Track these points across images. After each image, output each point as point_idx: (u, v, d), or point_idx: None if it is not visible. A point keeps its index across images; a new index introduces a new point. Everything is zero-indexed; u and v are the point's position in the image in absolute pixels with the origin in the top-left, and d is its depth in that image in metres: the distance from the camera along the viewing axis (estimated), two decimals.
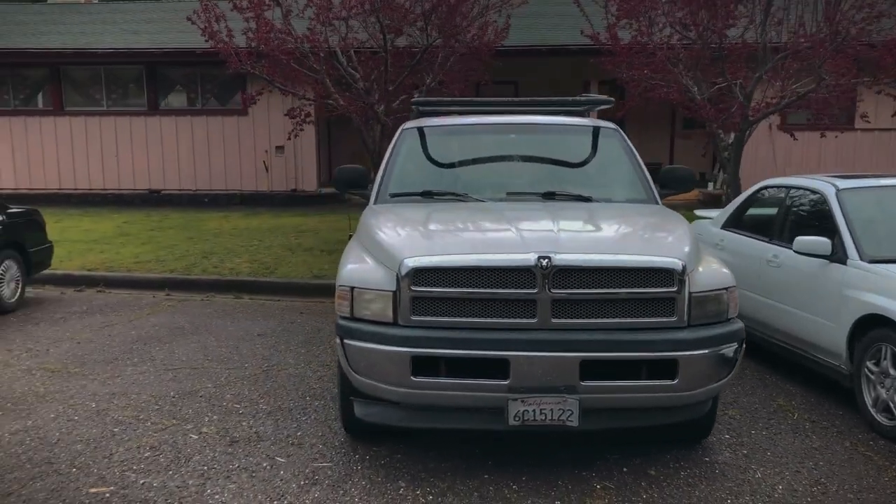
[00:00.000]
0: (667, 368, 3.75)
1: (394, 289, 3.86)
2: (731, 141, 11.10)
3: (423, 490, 3.92)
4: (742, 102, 10.03)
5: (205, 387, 5.64)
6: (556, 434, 4.42)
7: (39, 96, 17.81)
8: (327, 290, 9.38)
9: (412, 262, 3.81)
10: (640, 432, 4.36)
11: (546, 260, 3.71)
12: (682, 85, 10.87)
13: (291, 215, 14.98)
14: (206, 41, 10.12)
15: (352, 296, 3.98)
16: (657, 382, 3.76)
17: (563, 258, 3.72)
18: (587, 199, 5.01)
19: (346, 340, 3.95)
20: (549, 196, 5.00)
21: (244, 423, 4.88)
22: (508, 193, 5.06)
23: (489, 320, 3.78)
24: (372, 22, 9.99)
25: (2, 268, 8.01)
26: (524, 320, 3.76)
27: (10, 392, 5.51)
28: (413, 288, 3.79)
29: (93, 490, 3.92)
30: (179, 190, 17.36)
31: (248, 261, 10.45)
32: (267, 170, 17.19)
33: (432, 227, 4.45)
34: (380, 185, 5.29)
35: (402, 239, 4.12)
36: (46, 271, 9.23)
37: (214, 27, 9.82)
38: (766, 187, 6.69)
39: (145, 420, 4.94)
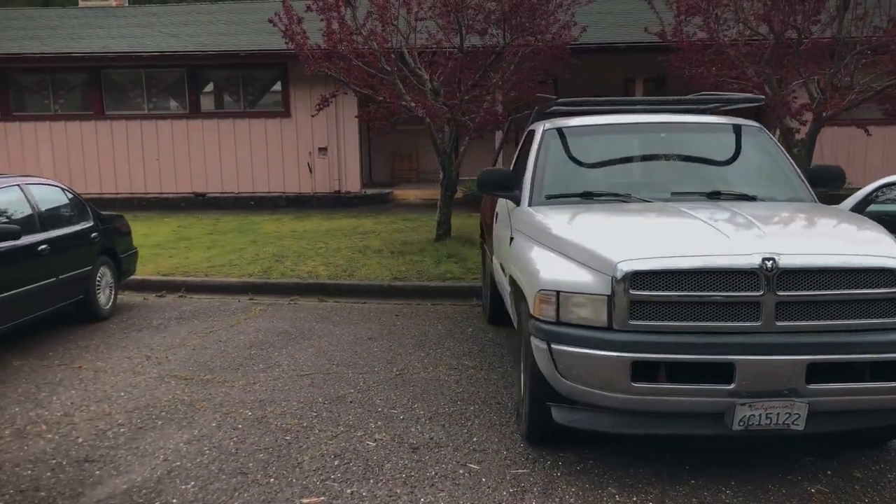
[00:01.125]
0: (892, 370, 3.71)
1: (608, 293, 3.80)
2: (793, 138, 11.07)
3: (639, 497, 3.87)
4: (822, 98, 9.99)
5: (349, 392, 5.58)
6: (745, 438, 4.39)
7: (80, 100, 17.72)
8: (409, 293, 9.34)
9: (630, 266, 3.75)
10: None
11: (771, 261, 3.65)
12: (755, 82, 10.83)
13: (343, 217, 14.91)
14: (287, 43, 10.05)
15: (558, 300, 3.92)
16: (883, 384, 3.71)
17: (789, 260, 3.67)
18: (752, 199, 4.96)
19: (554, 345, 3.89)
20: (715, 196, 4.96)
21: (413, 430, 4.82)
22: (673, 193, 5.00)
23: (710, 324, 3.72)
24: (449, 21, 9.91)
25: (98, 274, 7.94)
26: (747, 323, 3.70)
27: (155, 400, 5.45)
28: (632, 292, 3.74)
29: (305, 501, 3.85)
30: (222, 192, 17.30)
31: (322, 264, 10.38)
32: (311, 172, 17.13)
33: (631, 228, 4.38)
34: (531, 188, 5.21)
35: (609, 241, 4.05)
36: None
37: (295, 29, 9.74)
38: (889, 184, 6.64)
39: (311, 427, 4.88)
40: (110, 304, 8.20)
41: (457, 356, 6.55)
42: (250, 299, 9.14)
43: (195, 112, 17.33)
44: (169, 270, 10.22)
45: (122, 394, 5.60)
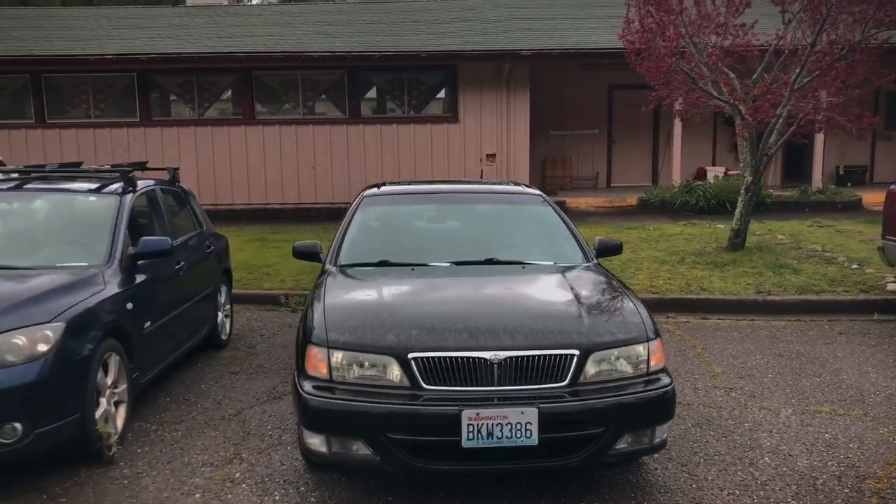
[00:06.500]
0: None
1: None
2: None
3: None
4: None
5: None
6: None
7: (228, 104, 16.45)
8: (785, 308, 8.41)
9: None
10: None
11: None
12: None
13: None
14: (633, 42, 9.14)
15: None
16: None
17: None
18: None
19: None
20: None
21: None
22: None
23: None
24: (815, 14, 9.12)
25: None
26: None
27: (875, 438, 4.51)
28: None
29: None
30: None
31: (651, 276, 9.54)
32: (482, 179, 16.18)
33: None
34: None
35: None
36: None
37: (646, 22, 8.87)
38: None
39: None
40: None
41: None
42: None
43: (355, 117, 16.18)
44: None
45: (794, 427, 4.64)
